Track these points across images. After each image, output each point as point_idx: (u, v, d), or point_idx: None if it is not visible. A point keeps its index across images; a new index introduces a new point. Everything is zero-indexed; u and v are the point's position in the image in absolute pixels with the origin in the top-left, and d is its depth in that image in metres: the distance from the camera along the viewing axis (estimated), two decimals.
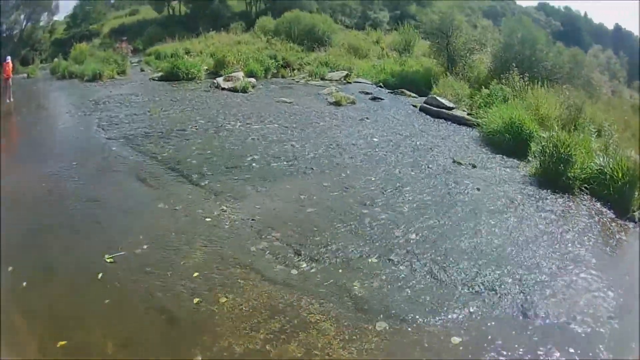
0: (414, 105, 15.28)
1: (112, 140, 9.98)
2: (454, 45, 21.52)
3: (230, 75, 18.06)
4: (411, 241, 6.18)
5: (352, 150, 9.92)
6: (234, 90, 16.64)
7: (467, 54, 21.34)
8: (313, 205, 7.16)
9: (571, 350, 4.33)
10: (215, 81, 17.58)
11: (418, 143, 10.72)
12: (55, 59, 24.33)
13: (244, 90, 16.62)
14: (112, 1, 47.59)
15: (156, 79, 19.35)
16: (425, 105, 14.59)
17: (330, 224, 6.48)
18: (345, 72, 21.06)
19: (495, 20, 26.64)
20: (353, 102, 15.08)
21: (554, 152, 8.64)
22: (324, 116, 12.81)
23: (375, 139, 10.79)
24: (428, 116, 13.77)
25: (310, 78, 20.59)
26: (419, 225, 6.63)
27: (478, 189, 8.12)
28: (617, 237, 6.83)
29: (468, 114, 13.66)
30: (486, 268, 5.61)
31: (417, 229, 6.50)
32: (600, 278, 5.55)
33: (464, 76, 19.86)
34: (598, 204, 7.92)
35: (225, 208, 6.94)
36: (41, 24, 34.67)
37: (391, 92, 18.19)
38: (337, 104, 14.59)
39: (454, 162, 9.39)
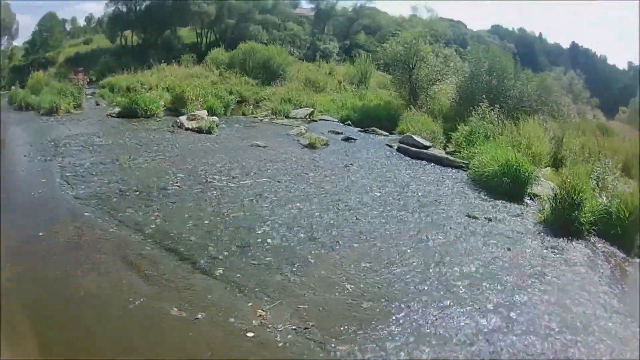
0: (389, 146, 14.68)
1: (82, 201, 8.33)
2: (416, 76, 21.28)
3: (193, 114, 16.82)
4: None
5: (365, 211, 8.60)
6: (198, 130, 15.50)
7: (429, 85, 21.22)
8: (366, 297, 5.61)
9: None
10: (177, 120, 16.31)
11: (419, 194, 9.78)
12: (13, 87, 22.92)
13: (209, 130, 15.53)
14: (67, 29, 46.49)
15: (114, 115, 17.96)
16: (402, 145, 13.93)
17: (398, 322, 5.10)
18: (309, 110, 20.21)
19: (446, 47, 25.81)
20: (327, 144, 14.14)
21: (566, 198, 8.26)
22: (306, 164, 11.67)
23: (376, 193, 9.66)
24: (407, 157, 13.11)
25: (273, 116, 19.58)
26: (490, 307, 5.55)
27: (509, 249, 7.37)
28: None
29: (447, 153, 13.19)
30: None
31: (491, 314, 5.39)
32: None
33: (427, 109, 19.77)
34: (608, 245, 7.87)
35: (262, 312, 5.14)
36: (2, 47, 33.53)
37: (362, 131, 17.49)
38: (312, 146, 13.61)
39: (468, 216, 8.59)
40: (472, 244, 7.41)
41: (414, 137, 14.19)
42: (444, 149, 14.06)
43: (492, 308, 5.49)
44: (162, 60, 30.00)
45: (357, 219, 8.14)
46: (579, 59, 45.95)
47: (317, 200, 8.90)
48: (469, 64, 21.04)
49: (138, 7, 37.80)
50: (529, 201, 9.68)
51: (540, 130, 13.65)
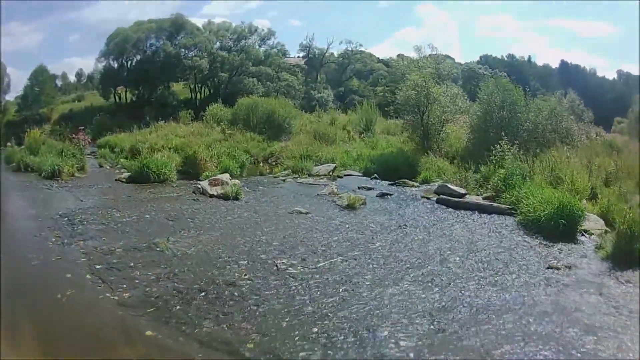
0: (426, 198, 13.39)
1: (132, 311, 5.96)
2: (427, 119, 20.04)
3: (215, 178, 14.74)
4: None
5: (461, 282, 7.03)
6: (225, 197, 13.32)
7: (441, 127, 20.14)
8: None
9: None
10: (199, 186, 14.19)
11: (490, 252, 8.47)
12: (9, 144, 22.03)
13: (237, 196, 13.39)
14: (59, 84, 44.71)
15: (124, 180, 15.92)
16: (442, 196, 12.82)
17: None
18: (331, 165, 18.32)
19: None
20: (364, 203, 12.44)
21: (628, 232, 7.90)
22: (361, 229, 9.94)
23: (455, 258, 8.15)
24: (450, 209, 11.87)
25: (295, 175, 17.62)
26: None
27: (601, 294, 6.61)
28: None
29: (484, 199, 12.39)
30: None
31: None
32: None
33: (440, 151, 18.93)
34: None
35: None
36: None
37: (391, 184, 15.92)
38: (352, 207, 11.93)
39: (550, 268, 7.66)
40: (579, 300, 6.44)
41: (449, 185, 13.28)
42: (479, 195, 13.22)
43: None
44: (160, 118, 28.14)
45: (461, 293, 6.60)
46: (569, 76, 44.98)
47: (409, 277, 7.17)
48: (479, 101, 19.72)
49: (130, 63, 35.95)
50: (581, 238, 9.18)
51: (577, 164, 13.28)
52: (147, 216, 10.88)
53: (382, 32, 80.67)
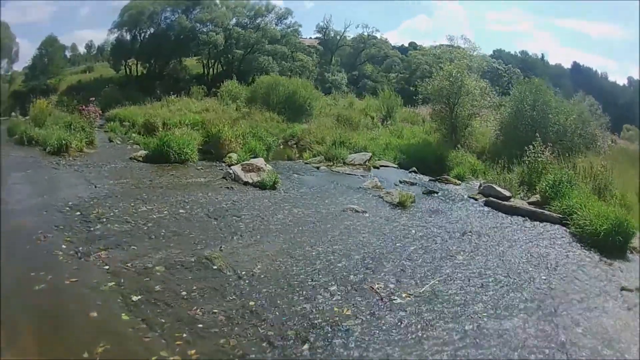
0: (473, 199, 11.71)
1: None
2: (458, 112, 18.30)
3: (248, 162, 12.21)
4: None
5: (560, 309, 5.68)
6: (261, 186, 10.99)
7: (469, 121, 18.56)
8: None
9: None
10: (231, 171, 11.69)
11: (567, 270, 7.13)
12: (13, 114, 20.12)
13: (274, 185, 11.06)
14: (68, 55, 41.72)
15: (140, 159, 13.35)
16: (491, 199, 11.34)
17: None
18: (366, 154, 15.75)
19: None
20: (414, 201, 10.54)
21: None
22: (430, 236, 8.19)
23: (541, 276, 6.71)
24: (501, 213, 10.34)
25: (329, 162, 15.11)
26: None
27: None
28: None
29: (529, 203, 11.16)
30: None
31: None
32: None
33: (467, 146, 17.41)
34: None
35: None
36: (1, 71, 31.93)
37: (432, 180, 13.96)
38: (403, 205, 10.06)
39: (623, 289, 6.51)
40: None
41: (495, 187, 11.90)
42: (522, 198, 11.97)
43: None
44: (172, 92, 25.13)
45: (574, 323, 5.36)
46: (582, 78, 42.66)
47: (518, 304, 5.69)
48: (511, 98, 18.32)
49: (143, 35, 32.97)
50: (630, 255, 8.23)
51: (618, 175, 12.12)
52: (182, 211, 8.32)
53: (393, 19, 77.47)
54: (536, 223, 9.63)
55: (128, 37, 35.10)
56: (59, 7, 57.62)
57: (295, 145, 18.71)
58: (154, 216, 7.73)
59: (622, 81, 51.10)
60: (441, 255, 7.12)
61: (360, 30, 44.17)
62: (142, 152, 13.76)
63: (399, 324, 4.89)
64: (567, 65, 51.74)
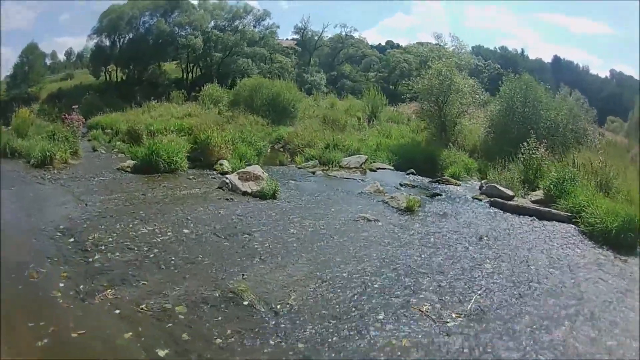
0: (477, 199, 11.36)
1: None
2: (447, 110, 17.77)
3: (244, 171, 11.27)
4: None
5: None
6: (261, 196, 10.14)
7: (458, 119, 18.13)
8: None
9: None
10: (227, 181, 10.75)
11: (590, 271, 6.94)
12: None
13: (274, 194, 10.20)
14: (48, 63, 40.12)
15: (128, 169, 12.32)
16: (496, 199, 11.05)
17: None
18: (362, 157, 15.02)
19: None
20: (420, 205, 9.97)
21: None
22: (447, 242, 7.78)
23: (571, 280, 6.47)
24: (507, 214, 10.05)
25: (324, 167, 14.30)
26: None
27: None
28: None
29: (533, 202, 10.85)
30: None
31: None
32: None
33: (458, 144, 16.88)
34: None
35: None
36: None
37: (432, 181, 13.39)
38: (410, 210, 9.57)
39: None
40: None
41: (498, 187, 11.58)
42: (524, 197, 11.59)
43: None
44: (152, 98, 24.13)
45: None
46: (562, 72, 42.32)
47: (565, 316, 5.38)
48: (500, 95, 17.64)
49: (122, 40, 31.71)
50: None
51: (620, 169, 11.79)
52: (187, 231, 7.37)
53: (371, 18, 76.62)
54: (544, 222, 9.38)
55: (107, 43, 33.91)
56: (38, 13, 55.80)
57: (282, 149, 17.83)
58: (158, 239, 6.78)
59: (603, 74, 51.09)
60: (469, 264, 6.72)
61: (338, 30, 43.28)
62: (130, 162, 12.72)
63: (462, 350, 4.46)
64: (547, 59, 51.50)
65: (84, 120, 17.05)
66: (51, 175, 11.21)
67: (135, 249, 6.36)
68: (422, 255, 6.92)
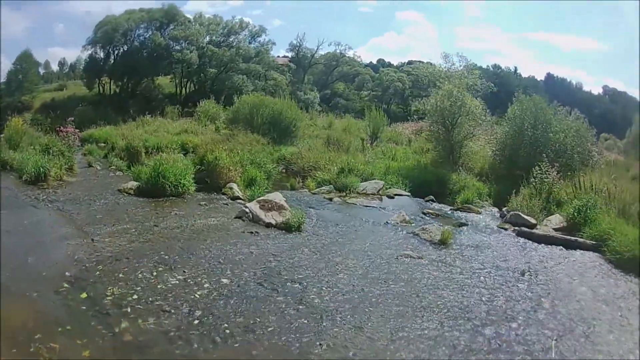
0: (503, 228, 10.51)
1: None
2: (457, 132, 16.84)
3: (265, 199, 9.87)
4: None
5: None
6: (286, 228, 8.78)
7: (466, 141, 17.16)
8: None
9: None
10: (247, 210, 9.36)
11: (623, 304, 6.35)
12: None
13: (299, 227, 8.84)
14: (41, 72, 38.34)
15: (131, 192, 10.87)
16: (524, 229, 10.30)
17: None
18: (380, 183, 13.80)
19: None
20: (452, 237, 9.06)
21: None
22: (493, 282, 6.94)
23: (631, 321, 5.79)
24: (535, 243, 9.37)
25: (340, 193, 13.03)
26: None
27: None
28: None
29: (555, 230, 10.31)
30: None
31: None
32: None
33: (465, 167, 16.00)
34: None
35: None
36: None
37: (454, 209, 12.38)
38: (444, 243, 8.71)
39: None
40: None
41: (522, 215, 10.94)
42: (545, 224, 10.88)
43: None
44: (146, 112, 22.69)
45: None
46: (556, 90, 41.69)
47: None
48: (508, 116, 16.63)
49: (117, 52, 30.17)
50: None
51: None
52: (225, 280, 5.92)
53: (362, 37, 76.40)
54: (572, 252, 8.95)
55: (101, 54, 32.51)
56: (34, 22, 54.30)
57: (285, 171, 16.47)
58: (196, 295, 5.30)
59: (596, 91, 50.89)
60: (529, 305, 6.15)
61: (332, 48, 42.19)
62: (133, 184, 11.26)
63: None
64: (540, 77, 51.12)
65: (79, 133, 15.49)
66: (46, 196, 9.77)
67: (172, 311, 4.85)
68: (482, 299, 6.20)
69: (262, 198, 9.96)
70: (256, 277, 6.11)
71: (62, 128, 13.78)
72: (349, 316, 5.21)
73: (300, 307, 5.34)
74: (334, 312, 5.28)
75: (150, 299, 5.06)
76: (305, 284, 6.06)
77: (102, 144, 18.62)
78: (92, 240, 6.96)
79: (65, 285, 5.20)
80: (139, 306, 4.85)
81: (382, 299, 5.80)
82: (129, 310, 4.74)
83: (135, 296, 5.07)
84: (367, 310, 5.43)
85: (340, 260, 7.19)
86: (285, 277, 6.21)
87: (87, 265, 5.82)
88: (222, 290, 5.53)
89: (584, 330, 5.42)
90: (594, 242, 9.24)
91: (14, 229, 7.22)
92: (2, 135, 15.34)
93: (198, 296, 5.28)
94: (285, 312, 5.21)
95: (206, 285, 5.60)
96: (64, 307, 4.68)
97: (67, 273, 5.53)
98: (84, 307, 4.70)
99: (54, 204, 9.20)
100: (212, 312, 4.94)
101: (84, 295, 4.98)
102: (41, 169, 11.00)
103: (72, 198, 9.76)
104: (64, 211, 8.73)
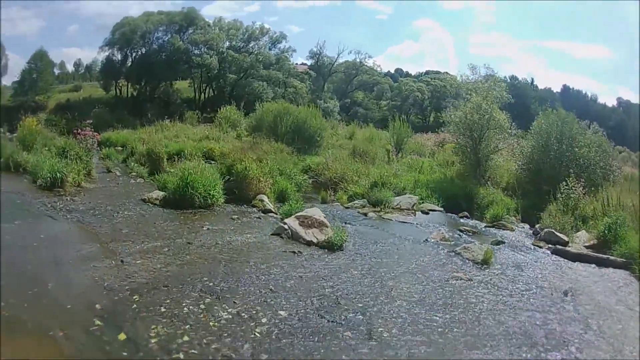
0: (538, 246, 10.22)
1: None
2: (484, 145, 16.32)
3: (304, 215, 9.16)
4: None
5: None
6: (329, 247, 8.11)
7: (493, 155, 16.64)
8: None
9: None
10: (286, 227, 8.65)
11: None
12: (1, 129, 17.60)
13: (341, 246, 8.21)
14: (56, 72, 37.90)
15: (156, 202, 10.17)
16: (558, 247, 10.13)
17: None
18: (414, 198, 13.18)
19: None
20: (492, 256, 8.66)
21: None
22: (549, 304, 6.61)
23: None
24: (569, 262, 9.20)
25: (376, 208, 12.32)
26: None
27: None
28: None
29: (586, 247, 10.27)
30: None
31: None
32: None
33: (491, 181, 15.54)
34: None
35: None
36: None
37: (488, 226, 11.95)
38: (486, 262, 8.32)
39: None
40: None
41: (556, 233, 10.79)
42: (574, 240, 10.88)
43: None
44: (165, 117, 22.30)
45: None
46: (571, 102, 41.01)
47: None
48: (534, 130, 16.44)
49: (134, 55, 29.56)
50: None
51: None
52: (283, 313, 5.17)
53: (380, 45, 76.14)
54: (604, 270, 8.88)
55: (119, 56, 32.00)
56: (47, 21, 54.56)
57: (312, 182, 15.68)
58: (256, 333, 4.49)
59: (610, 102, 50.24)
60: (580, 327, 5.92)
61: (352, 57, 41.48)
62: (158, 193, 10.58)
63: None
64: (556, 88, 50.54)
65: (99, 137, 14.75)
66: (64, 204, 9.03)
67: (233, 355, 4.03)
68: (537, 322, 5.91)
69: (301, 214, 9.22)
70: (314, 307, 5.37)
71: (80, 130, 13.09)
72: (423, 350, 4.66)
73: (372, 342, 4.70)
74: (406, 347, 4.69)
75: (204, 340, 4.22)
76: (368, 314, 5.37)
77: (119, 148, 18.06)
78: (122, 261, 6.12)
79: (98, 322, 4.32)
80: (193, 351, 3.99)
81: (447, 328, 5.32)
82: (181, 357, 3.87)
83: (185, 337, 4.22)
84: (437, 341, 4.95)
85: (394, 284, 6.56)
86: (346, 307, 5.50)
87: (120, 295, 4.98)
88: (282, 326, 4.74)
89: (631, 351, 5.31)
90: (624, 260, 9.25)
91: (29, 244, 6.37)
92: (15, 135, 14.67)
93: (257, 334, 4.49)
94: (358, 349, 4.52)
95: (264, 320, 4.79)
96: (100, 353, 3.79)
97: (97, 305, 4.66)
98: (125, 353, 3.81)
99: (72, 214, 8.45)
100: (279, 354, 4.15)
101: (122, 336, 4.11)
102: (58, 174, 10.30)
103: (92, 207, 9.04)
104: (84, 223, 7.96)
